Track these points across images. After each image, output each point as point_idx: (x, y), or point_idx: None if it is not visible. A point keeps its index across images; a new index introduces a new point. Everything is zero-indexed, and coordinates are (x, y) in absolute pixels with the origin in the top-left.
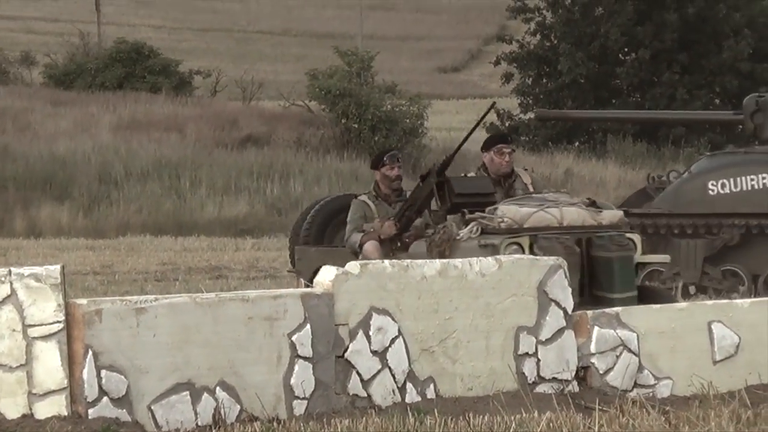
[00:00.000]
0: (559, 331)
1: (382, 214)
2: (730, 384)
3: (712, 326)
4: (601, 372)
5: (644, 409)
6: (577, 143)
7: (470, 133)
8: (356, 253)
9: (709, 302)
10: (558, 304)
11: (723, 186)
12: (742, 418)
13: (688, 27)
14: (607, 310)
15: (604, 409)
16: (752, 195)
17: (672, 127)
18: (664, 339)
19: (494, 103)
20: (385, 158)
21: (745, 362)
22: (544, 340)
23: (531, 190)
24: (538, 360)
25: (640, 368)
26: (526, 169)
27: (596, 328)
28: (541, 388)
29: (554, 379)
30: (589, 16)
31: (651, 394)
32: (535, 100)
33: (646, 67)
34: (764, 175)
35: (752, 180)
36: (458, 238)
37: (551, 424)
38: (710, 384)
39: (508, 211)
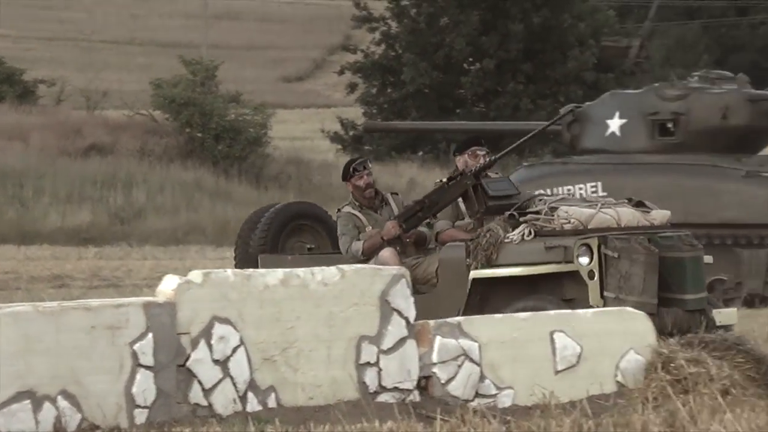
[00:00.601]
0: (401, 341)
1: (372, 223)
2: (572, 394)
3: (554, 336)
4: (442, 381)
5: (485, 419)
6: (421, 153)
7: (521, 142)
8: (360, 262)
9: (552, 312)
10: (400, 314)
11: None
12: (583, 428)
13: (533, 37)
14: (449, 319)
15: (445, 418)
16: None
17: (516, 136)
18: (506, 349)
19: (572, 109)
20: (351, 168)
21: (587, 372)
22: (386, 349)
23: None
24: (380, 369)
25: (482, 378)
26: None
27: (438, 338)
28: (382, 398)
29: (396, 388)
30: (435, 25)
31: (492, 403)
32: (379, 109)
33: (490, 77)
34: (580, 185)
35: (569, 190)
36: (507, 240)
37: None
38: (552, 394)
39: (574, 213)
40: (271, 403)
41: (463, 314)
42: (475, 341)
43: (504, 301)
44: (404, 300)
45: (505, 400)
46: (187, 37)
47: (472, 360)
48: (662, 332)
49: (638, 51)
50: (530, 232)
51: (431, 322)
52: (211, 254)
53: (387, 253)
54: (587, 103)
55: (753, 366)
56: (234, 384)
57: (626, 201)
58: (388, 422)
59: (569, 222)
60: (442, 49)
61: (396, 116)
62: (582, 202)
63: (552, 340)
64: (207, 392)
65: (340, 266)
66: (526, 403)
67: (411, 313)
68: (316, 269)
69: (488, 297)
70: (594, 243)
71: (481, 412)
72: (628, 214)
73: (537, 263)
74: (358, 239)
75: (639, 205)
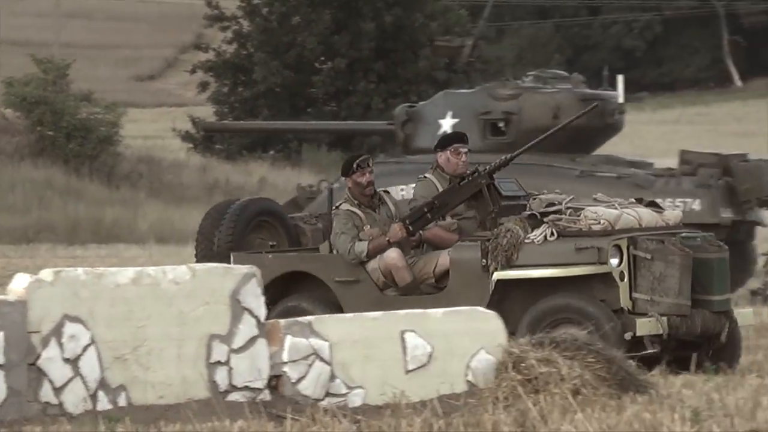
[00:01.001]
0: (252, 340)
1: (370, 222)
2: (423, 393)
3: (405, 336)
4: (293, 381)
5: (336, 418)
6: (272, 152)
7: (539, 140)
8: (362, 263)
9: (402, 312)
10: (251, 313)
11: None
12: (433, 428)
13: (384, 36)
14: (300, 319)
15: (295, 417)
16: (403, 205)
17: (366, 136)
18: (356, 348)
19: (596, 105)
20: (355, 165)
21: (438, 372)
22: (236, 348)
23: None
24: (231, 368)
25: (333, 377)
26: None
27: (289, 337)
28: (233, 397)
29: (246, 387)
30: (286, 24)
31: (343, 403)
32: (231, 108)
33: (342, 76)
34: (413, 185)
35: (402, 190)
36: (528, 241)
37: None
38: (402, 393)
39: (603, 213)
40: (122, 401)
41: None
42: (326, 340)
43: (528, 301)
44: (255, 299)
45: (356, 399)
46: (39, 35)
47: (322, 359)
48: (691, 334)
49: (471, 51)
50: (552, 233)
51: (282, 321)
52: (62, 253)
53: (395, 254)
54: (421, 102)
55: (604, 366)
56: (84, 383)
57: (634, 201)
58: (238, 421)
59: (599, 222)
60: (294, 48)
61: (247, 115)
62: (594, 202)
63: (403, 340)
64: (57, 391)
65: (191, 265)
66: (376, 403)
67: (261, 312)
68: (167, 268)
69: (510, 297)
70: (624, 244)
71: (332, 412)
72: (647, 215)
73: (565, 264)
74: (359, 239)
75: (651, 205)
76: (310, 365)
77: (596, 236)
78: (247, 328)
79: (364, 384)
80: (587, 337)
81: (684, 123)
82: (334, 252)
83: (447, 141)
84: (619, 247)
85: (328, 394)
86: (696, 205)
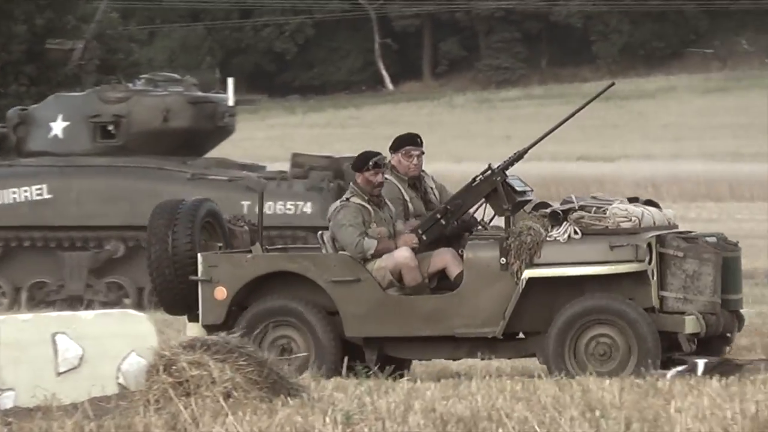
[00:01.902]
0: None
1: (377, 220)
2: (74, 396)
3: (57, 338)
4: None
5: None
6: None
7: (550, 131)
8: (365, 261)
9: (53, 314)
10: None
11: None
12: (85, 430)
13: (36, 38)
14: None
15: None
16: (15, 207)
17: None
18: (8, 350)
19: (612, 83)
20: (371, 162)
21: (89, 374)
22: None
23: (437, 192)
24: None
25: None
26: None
27: None
28: None
29: None
30: None
31: None
32: None
33: None
34: (26, 188)
35: (14, 192)
36: (551, 239)
37: None
38: (54, 396)
39: (633, 211)
40: None
41: (511, 315)
42: None
43: (557, 302)
44: None
45: (7, 401)
46: None
47: None
48: (716, 332)
49: (82, 53)
50: (576, 231)
51: None
52: None
53: (407, 253)
54: (33, 105)
55: (255, 369)
56: None
57: (628, 199)
58: None
59: (629, 220)
60: None
61: None
62: (597, 200)
63: (54, 342)
64: None
65: None
66: (27, 405)
67: None
68: None
69: (533, 297)
70: (653, 242)
71: None
72: (658, 214)
73: (599, 262)
74: (368, 236)
75: (649, 203)
76: None
77: (625, 234)
78: None
79: (15, 386)
80: (239, 341)
81: (336, 126)
82: (326, 246)
83: (398, 143)
84: (649, 245)
85: None
86: (307, 207)
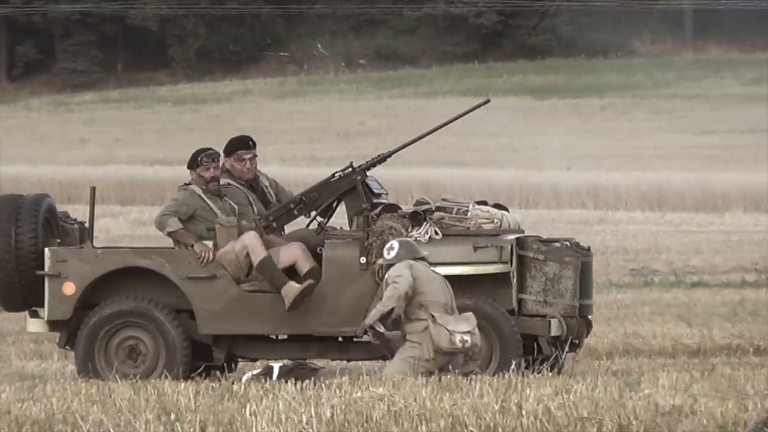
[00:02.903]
0: None
1: (218, 207)
2: None
3: None
4: None
5: None
6: None
7: (415, 139)
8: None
9: None
10: None
11: None
12: None
13: None
14: None
15: None
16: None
17: None
18: None
19: (487, 100)
20: (199, 158)
21: None
22: None
23: (272, 191)
24: None
25: None
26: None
27: None
28: None
29: None
30: None
31: None
32: None
33: None
34: None
35: None
36: (411, 239)
37: None
38: None
39: (495, 213)
40: None
41: (368, 312)
42: None
43: None
44: None
45: None
46: None
47: None
48: (573, 335)
49: None
50: (436, 231)
51: None
52: None
53: (253, 236)
54: None
55: None
56: None
57: (476, 203)
58: None
59: (492, 221)
60: None
61: None
62: (446, 202)
63: None
64: None
65: None
66: None
67: None
68: None
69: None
70: (513, 244)
71: None
72: (510, 217)
73: (462, 263)
74: (179, 219)
75: (497, 207)
76: None
77: (486, 236)
78: None
79: None
80: None
81: None
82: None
83: (230, 148)
84: (510, 247)
85: None
86: None
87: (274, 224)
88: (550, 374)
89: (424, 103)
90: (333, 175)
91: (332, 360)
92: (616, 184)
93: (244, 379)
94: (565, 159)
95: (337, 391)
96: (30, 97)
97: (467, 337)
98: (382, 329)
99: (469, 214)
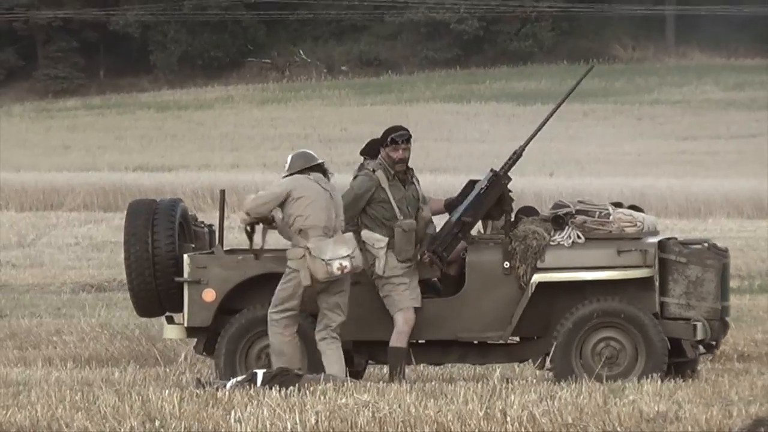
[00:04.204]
0: None
1: (397, 195)
2: None
3: None
4: None
5: None
6: None
7: (540, 127)
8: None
9: None
10: None
11: None
12: None
13: None
14: None
15: None
16: None
17: None
18: None
19: (592, 66)
20: (390, 138)
21: None
22: None
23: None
24: None
25: None
26: None
27: None
28: None
29: None
30: None
31: None
32: None
33: None
34: None
35: None
36: (553, 243)
37: None
38: None
39: (638, 216)
40: None
41: (520, 320)
42: None
43: (564, 306)
44: None
45: None
46: None
47: None
48: (715, 338)
49: None
50: (579, 235)
51: None
52: None
53: (408, 315)
54: None
55: None
56: None
57: (614, 205)
58: None
59: (634, 225)
60: None
61: None
62: (586, 205)
63: None
64: None
65: None
66: None
67: None
68: None
69: (549, 300)
70: (655, 248)
71: None
72: (650, 220)
73: (606, 267)
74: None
75: (633, 208)
76: None
77: (629, 239)
78: None
79: None
80: None
81: None
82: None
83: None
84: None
85: None
86: None
87: (444, 254)
88: (534, 380)
89: (407, 109)
90: (478, 187)
91: (473, 365)
92: (598, 189)
93: (228, 385)
94: (548, 165)
95: (322, 397)
96: (12, 103)
97: (346, 262)
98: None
99: (611, 217)
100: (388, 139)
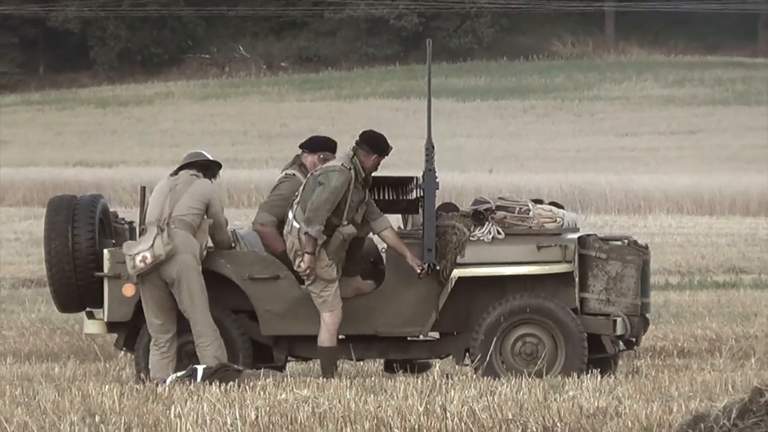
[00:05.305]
0: None
1: (355, 199)
2: None
3: None
4: None
5: None
6: None
7: None
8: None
9: None
10: None
11: None
12: None
13: None
14: None
15: None
16: None
17: None
18: None
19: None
20: (380, 146)
21: None
22: None
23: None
24: None
25: None
26: None
27: None
28: None
29: None
30: None
31: None
32: None
33: None
34: None
35: None
36: (474, 239)
37: None
38: None
39: (558, 212)
40: None
41: (440, 315)
42: None
43: (490, 301)
44: None
45: None
46: None
47: None
48: (633, 334)
49: None
50: (499, 231)
51: None
52: None
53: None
54: None
55: None
56: None
57: (534, 201)
58: None
59: (554, 220)
60: None
61: None
62: (506, 201)
63: None
64: None
65: None
66: None
67: None
68: None
69: (469, 296)
70: (575, 243)
71: None
72: (570, 216)
73: (525, 263)
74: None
75: (553, 205)
76: None
77: (549, 235)
78: None
79: None
80: None
81: None
82: (294, 209)
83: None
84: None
85: None
86: None
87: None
88: (474, 376)
89: (346, 105)
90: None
91: (394, 359)
92: (538, 185)
93: (168, 381)
94: (488, 161)
95: (262, 393)
96: None
97: (146, 254)
98: None
99: (531, 213)
100: (375, 147)
